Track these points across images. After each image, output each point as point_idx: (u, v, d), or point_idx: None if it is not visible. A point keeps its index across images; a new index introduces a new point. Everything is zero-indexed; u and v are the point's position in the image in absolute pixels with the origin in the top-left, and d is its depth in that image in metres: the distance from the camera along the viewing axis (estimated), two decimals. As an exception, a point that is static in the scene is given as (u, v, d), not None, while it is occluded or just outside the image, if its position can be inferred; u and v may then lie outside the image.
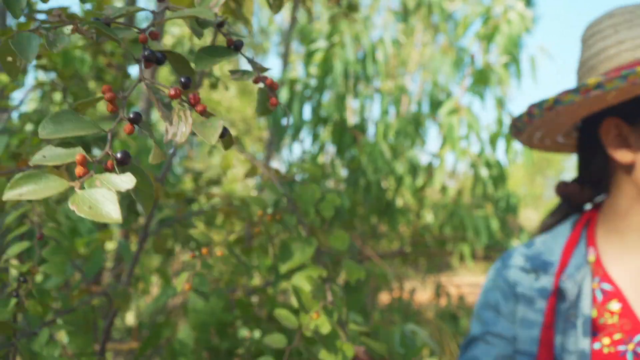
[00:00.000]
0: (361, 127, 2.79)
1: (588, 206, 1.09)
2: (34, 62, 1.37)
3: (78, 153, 0.44)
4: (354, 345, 0.82)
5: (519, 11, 2.61)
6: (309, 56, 2.70)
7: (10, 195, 0.42)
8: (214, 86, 2.00)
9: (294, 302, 0.81)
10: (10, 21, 1.76)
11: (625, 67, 0.91)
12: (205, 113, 0.50)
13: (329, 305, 0.81)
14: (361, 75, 2.68)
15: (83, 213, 0.40)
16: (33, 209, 0.90)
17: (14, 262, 0.93)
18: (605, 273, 0.96)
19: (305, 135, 2.83)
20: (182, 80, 0.52)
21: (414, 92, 3.31)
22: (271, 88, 0.61)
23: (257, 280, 1.62)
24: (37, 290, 0.81)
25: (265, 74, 0.60)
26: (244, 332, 1.38)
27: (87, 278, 1.17)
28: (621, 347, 0.90)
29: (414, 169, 2.77)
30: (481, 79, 2.66)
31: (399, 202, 3.15)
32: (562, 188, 1.08)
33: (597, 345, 0.91)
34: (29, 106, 1.69)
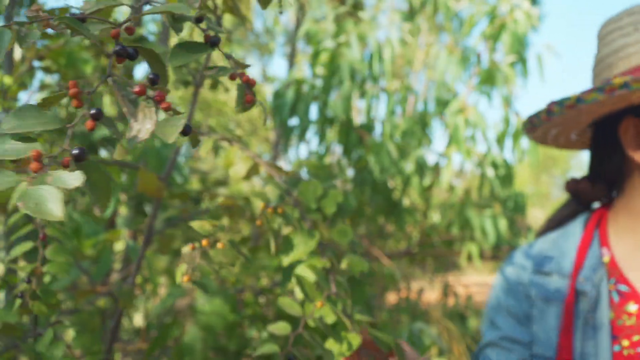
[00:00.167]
0: (368, 127, 2.79)
1: (596, 204, 1.08)
2: (37, 64, 1.37)
3: (34, 149, 0.44)
4: (361, 329, 0.82)
5: (525, 10, 2.60)
6: (315, 56, 2.70)
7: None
8: (214, 86, 2.00)
9: (297, 293, 0.81)
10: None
11: None
12: (170, 110, 0.50)
13: (333, 295, 0.81)
14: (367, 75, 2.68)
15: (29, 210, 0.40)
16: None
17: (22, 263, 0.93)
18: (621, 274, 0.95)
19: (312, 135, 2.83)
20: (150, 76, 0.52)
21: (419, 92, 3.30)
22: (248, 85, 0.60)
23: (264, 281, 1.62)
24: (41, 291, 0.81)
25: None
26: (251, 332, 1.38)
27: (96, 279, 1.17)
28: None
29: (421, 168, 2.76)
30: (488, 78, 2.65)
31: (406, 202, 3.15)
32: (573, 185, 1.07)
33: (617, 348, 0.90)
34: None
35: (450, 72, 2.73)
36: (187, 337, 1.33)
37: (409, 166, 2.77)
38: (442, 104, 2.80)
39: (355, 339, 0.78)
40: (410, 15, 3.00)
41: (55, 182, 0.42)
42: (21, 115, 0.46)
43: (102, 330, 0.96)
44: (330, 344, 0.76)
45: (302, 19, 3.12)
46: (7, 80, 1.32)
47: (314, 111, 2.72)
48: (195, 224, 0.80)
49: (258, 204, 0.87)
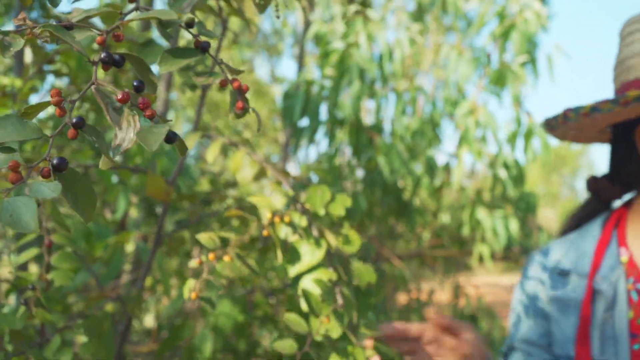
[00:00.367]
0: (377, 128, 2.78)
1: (617, 203, 1.08)
2: (48, 67, 1.38)
3: (12, 159, 0.44)
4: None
5: (535, 9, 2.58)
6: (324, 57, 2.69)
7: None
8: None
9: (303, 306, 0.80)
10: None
11: None
12: (154, 117, 0.49)
13: (339, 309, 0.80)
14: (377, 75, 2.67)
15: (5, 222, 0.40)
16: (42, 213, 0.89)
17: (32, 267, 0.93)
18: (639, 273, 0.95)
19: (322, 136, 2.82)
20: (135, 84, 0.51)
21: (428, 92, 3.29)
22: (240, 91, 0.59)
23: (275, 282, 1.61)
24: (45, 298, 0.80)
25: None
26: (262, 333, 1.38)
27: (105, 283, 1.17)
28: None
29: (431, 169, 2.75)
30: (499, 79, 2.64)
31: (417, 203, 3.14)
32: (593, 182, 1.08)
33: (636, 346, 0.90)
34: (46, 111, 1.70)
35: (461, 72, 2.72)
36: (197, 339, 1.33)
37: (419, 167, 2.76)
38: (452, 104, 2.79)
39: (361, 354, 0.78)
40: (419, 15, 3.00)
41: (33, 192, 0.41)
42: (3, 125, 0.45)
43: (111, 334, 0.96)
44: (335, 359, 0.76)
45: (310, 20, 3.12)
46: (18, 83, 1.32)
47: (323, 112, 2.72)
48: (202, 237, 0.79)
49: (265, 213, 0.86)
